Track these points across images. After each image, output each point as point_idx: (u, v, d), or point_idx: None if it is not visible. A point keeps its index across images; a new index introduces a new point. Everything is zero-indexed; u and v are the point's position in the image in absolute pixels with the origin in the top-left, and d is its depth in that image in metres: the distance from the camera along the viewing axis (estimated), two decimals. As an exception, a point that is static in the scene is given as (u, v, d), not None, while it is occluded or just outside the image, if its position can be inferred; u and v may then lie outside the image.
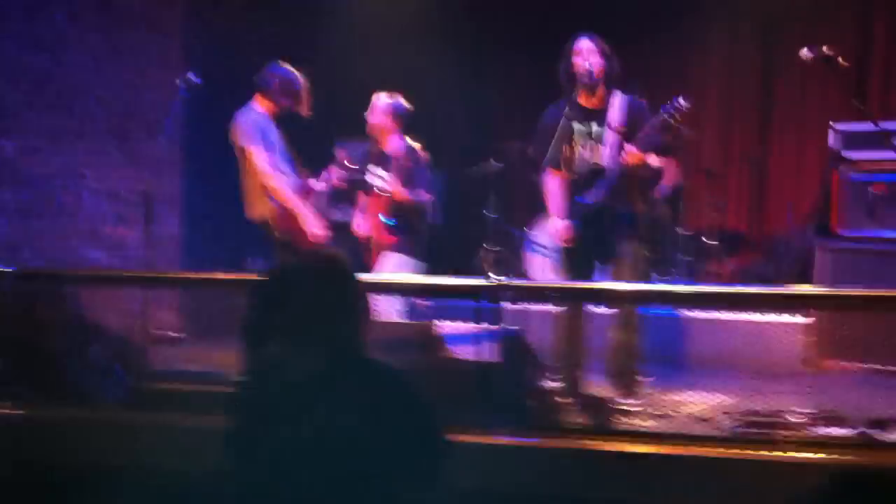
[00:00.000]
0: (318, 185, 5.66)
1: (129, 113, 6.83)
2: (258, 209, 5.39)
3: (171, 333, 6.39)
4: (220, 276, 4.79)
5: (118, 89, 6.78)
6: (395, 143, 5.86)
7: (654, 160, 4.93)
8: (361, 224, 5.95)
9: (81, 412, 4.53)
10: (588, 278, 4.97)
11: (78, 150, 6.52)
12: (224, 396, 2.77)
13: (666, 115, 4.82)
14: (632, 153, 4.80)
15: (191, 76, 5.66)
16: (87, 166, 6.59)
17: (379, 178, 5.87)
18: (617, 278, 4.95)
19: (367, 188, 5.97)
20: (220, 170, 6.57)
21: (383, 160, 5.89)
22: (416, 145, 5.86)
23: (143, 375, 4.85)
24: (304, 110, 5.53)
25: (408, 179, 5.76)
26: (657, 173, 5.08)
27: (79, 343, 4.88)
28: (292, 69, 5.48)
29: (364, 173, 6.02)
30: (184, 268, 7.00)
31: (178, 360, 5.28)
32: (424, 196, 5.83)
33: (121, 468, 4.18)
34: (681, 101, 4.80)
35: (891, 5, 7.55)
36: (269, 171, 5.29)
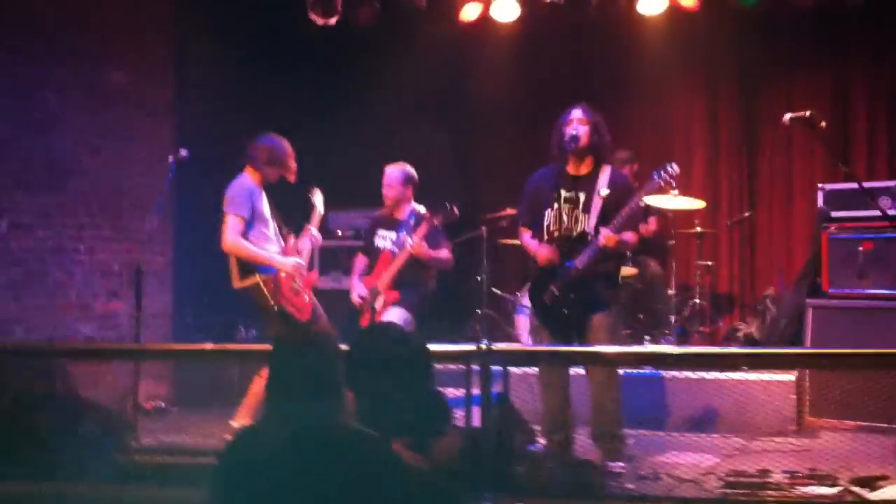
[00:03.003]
0: (302, 242, 5.69)
1: (120, 190, 6.91)
2: (239, 279, 5.40)
3: (160, 404, 6.38)
4: (209, 347, 4.81)
5: (109, 167, 6.87)
6: (410, 209, 6.11)
7: (630, 237, 5.00)
8: (359, 287, 6.02)
9: (71, 488, 4.52)
10: (569, 341, 4.96)
11: (69, 227, 6.58)
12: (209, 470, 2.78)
13: (659, 181, 4.96)
14: (608, 236, 4.87)
15: (182, 152, 5.75)
16: (79, 243, 6.64)
17: (390, 240, 6.07)
18: (593, 341, 4.95)
19: (375, 252, 6.10)
20: (209, 243, 6.64)
21: (396, 225, 6.09)
22: (426, 213, 6.02)
23: (132, 450, 4.85)
24: (292, 177, 5.61)
25: (429, 240, 5.94)
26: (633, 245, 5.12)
27: (69, 418, 4.89)
28: (279, 138, 5.58)
29: (371, 239, 6.18)
30: (176, 340, 7.01)
31: (168, 432, 5.28)
32: (444, 254, 6.03)
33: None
34: (672, 166, 5.00)
35: (869, 72, 7.66)
36: (233, 238, 5.29)
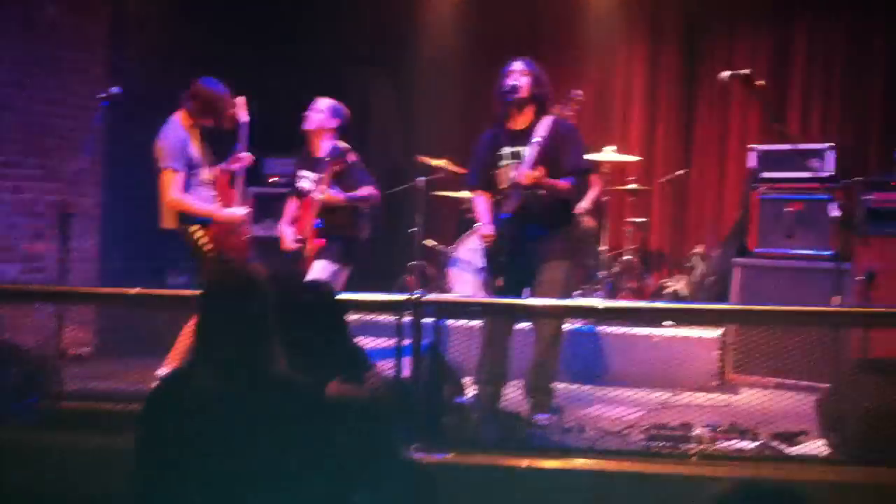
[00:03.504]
0: (232, 165, 5.59)
1: (49, 127, 6.71)
2: (171, 221, 5.34)
3: (85, 350, 6.28)
4: (134, 291, 4.73)
5: (38, 103, 6.66)
6: (329, 145, 5.85)
7: (559, 183, 4.98)
8: (291, 234, 5.89)
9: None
10: (513, 293, 4.99)
11: (-6, 164, 6.40)
12: (135, 415, 2.75)
13: (561, 106, 4.99)
14: (524, 174, 4.87)
15: (114, 90, 5.59)
16: (3, 181, 6.46)
17: (309, 180, 5.87)
18: (541, 294, 4.98)
19: (300, 194, 5.95)
20: (140, 184, 6.49)
21: (315, 164, 5.88)
22: (347, 146, 5.85)
23: (55, 395, 4.77)
24: (227, 125, 5.50)
25: (343, 180, 5.76)
26: (570, 190, 5.13)
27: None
28: (217, 84, 5.43)
29: (294, 182, 6.01)
30: (103, 284, 6.88)
31: (93, 379, 5.20)
32: (364, 193, 5.82)
33: (31, 491, 4.11)
34: (576, 92, 5.05)
35: (810, 28, 7.74)
36: (177, 196, 5.22)
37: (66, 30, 6.85)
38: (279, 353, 2.73)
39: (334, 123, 5.90)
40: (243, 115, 5.62)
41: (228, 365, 2.66)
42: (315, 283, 3.60)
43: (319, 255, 5.77)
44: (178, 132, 5.33)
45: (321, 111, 5.89)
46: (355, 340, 3.50)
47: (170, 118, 5.40)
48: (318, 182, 5.79)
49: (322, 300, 3.38)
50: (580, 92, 5.05)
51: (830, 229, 5.89)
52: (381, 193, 5.99)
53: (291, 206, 6.04)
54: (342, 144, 5.85)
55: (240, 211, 5.44)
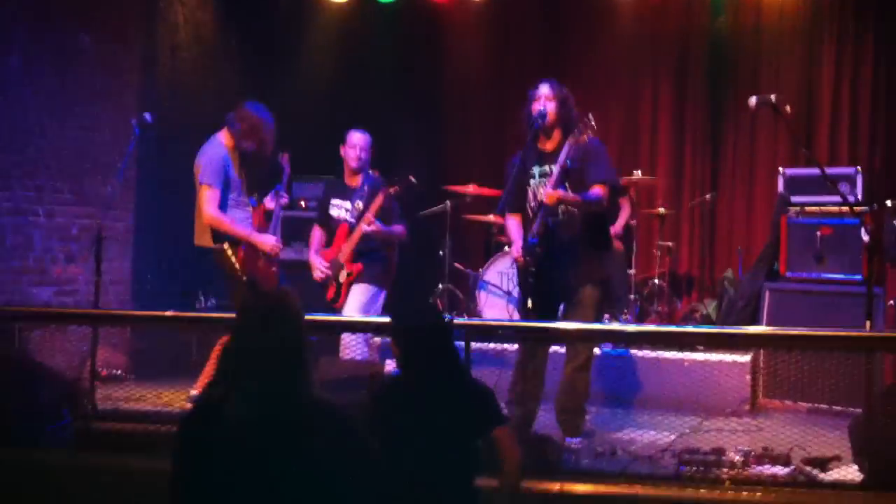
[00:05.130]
0: (271, 204, 5.69)
1: (82, 152, 6.80)
2: (204, 238, 5.41)
3: (117, 372, 6.32)
4: (169, 314, 4.78)
5: (72, 129, 6.76)
6: (367, 177, 5.97)
7: (581, 197, 4.91)
8: (321, 263, 5.95)
9: (26, 455, 4.49)
10: (545, 314, 4.98)
11: (28, 188, 6.47)
12: (169, 437, 2.76)
13: (577, 132, 4.92)
14: (547, 193, 4.86)
15: (145, 116, 5.68)
16: (38, 205, 6.55)
17: (345, 210, 5.96)
18: (571, 318, 4.97)
19: (331, 222, 6.02)
20: (171, 209, 6.58)
21: (349, 194, 5.97)
22: (385, 181, 5.95)
23: (89, 416, 4.81)
24: (267, 150, 5.58)
25: (383, 211, 5.84)
26: (599, 203, 5.09)
27: (26, 384, 4.83)
28: (263, 110, 5.52)
29: (323, 209, 6.09)
30: (136, 307, 6.94)
31: (125, 400, 5.24)
32: (399, 229, 5.96)
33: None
34: (589, 116, 4.95)
35: (834, 54, 7.73)
36: (215, 213, 5.31)
37: (100, 58, 6.95)
38: (311, 378, 2.73)
39: (369, 159, 6.02)
40: (286, 166, 5.80)
41: (260, 391, 2.65)
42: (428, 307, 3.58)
43: (358, 279, 5.85)
44: (219, 151, 5.42)
45: (364, 149, 5.97)
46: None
47: (213, 136, 5.50)
48: (356, 212, 5.89)
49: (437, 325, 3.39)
50: (591, 116, 4.96)
51: (860, 253, 5.85)
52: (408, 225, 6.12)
53: (318, 234, 6.11)
54: (380, 177, 5.98)
55: (272, 239, 5.50)
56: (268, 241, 5.48)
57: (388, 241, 5.96)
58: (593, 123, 4.92)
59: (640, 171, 7.40)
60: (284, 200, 5.77)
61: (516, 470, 3.15)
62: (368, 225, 5.76)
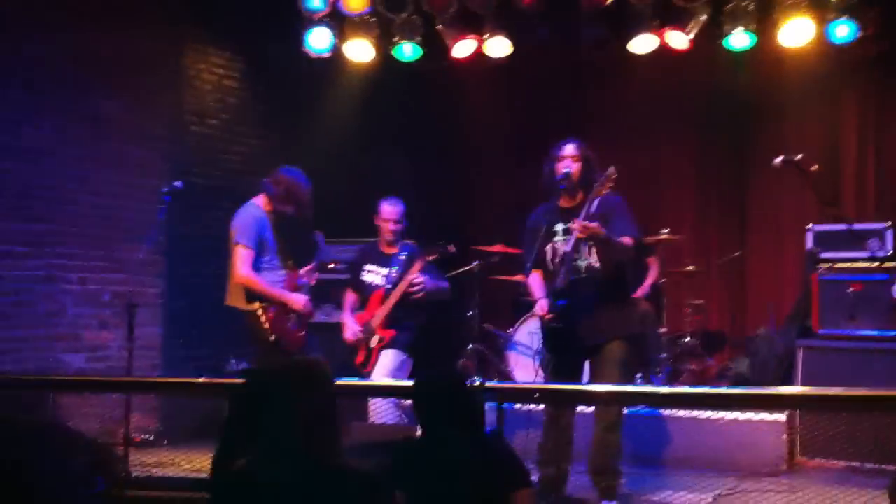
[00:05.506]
0: (304, 279, 5.73)
1: (113, 219, 6.88)
2: (236, 299, 5.45)
3: (149, 437, 6.33)
4: (200, 380, 4.79)
5: (102, 196, 6.85)
6: (405, 246, 6.08)
7: (603, 231, 4.84)
8: (353, 325, 5.99)
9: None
10: (570, 371, 4.95)
11: (60, 256, 6.55)
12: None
13: (598, 185, 4.90)
14: (580, 224, 4.78)
15: (177, 184, 5.77)
16: (70, 272, 6.61)
17: (381, 276, 6.03)
18: (600, 376, 4.93)
19: (364, 288, 6.06)
20: (200, 274, 6.63)
21: (385, 260, 6.06)
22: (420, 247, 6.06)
23: (121, 483, 4.80)
24: (307, 214, 5.66)
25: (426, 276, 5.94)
26: (627, 251, 5.05)
27: (58, 451, 4.83)
28: (300, 175, 5.61)
29: (356, 273, 6.13)
30: (165, 371, 6.97)
31: (158, 465, 5.24)
32: (446, 285, 6.09)
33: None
34: (610, 169, 4.92)
35: (859, 106, 7.74)
36: (247, 272, 5.37)
37: (129, 125, 7.06)
38: (340, 443, 2.72)
39: (404, 227, 6.11)
40: (321, 242, 5.93)
41: (292, 456, 2.65)
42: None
43: (389, 345, 5.87)
44: (255, 212, 5.51)
45: (398, 220, 6.06)
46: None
47: (250, 200, 5.57)
48: (392, 278, 5.95)
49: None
50: (613, 169, 4.93)
51: (892, 309, 5.80)
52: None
53: (351, 297, 6.15)
54: (417, 246, 6.07)
55: (303, 298, 5.54)
56: (300, 300, 5.53)
57: (433, 300, 5.99)
58: (615, 176, 4.91)
59: (667, 230, 7.39)
60: (313, 280, 5.82)
61: None
62: (420, 290, 5.83)
